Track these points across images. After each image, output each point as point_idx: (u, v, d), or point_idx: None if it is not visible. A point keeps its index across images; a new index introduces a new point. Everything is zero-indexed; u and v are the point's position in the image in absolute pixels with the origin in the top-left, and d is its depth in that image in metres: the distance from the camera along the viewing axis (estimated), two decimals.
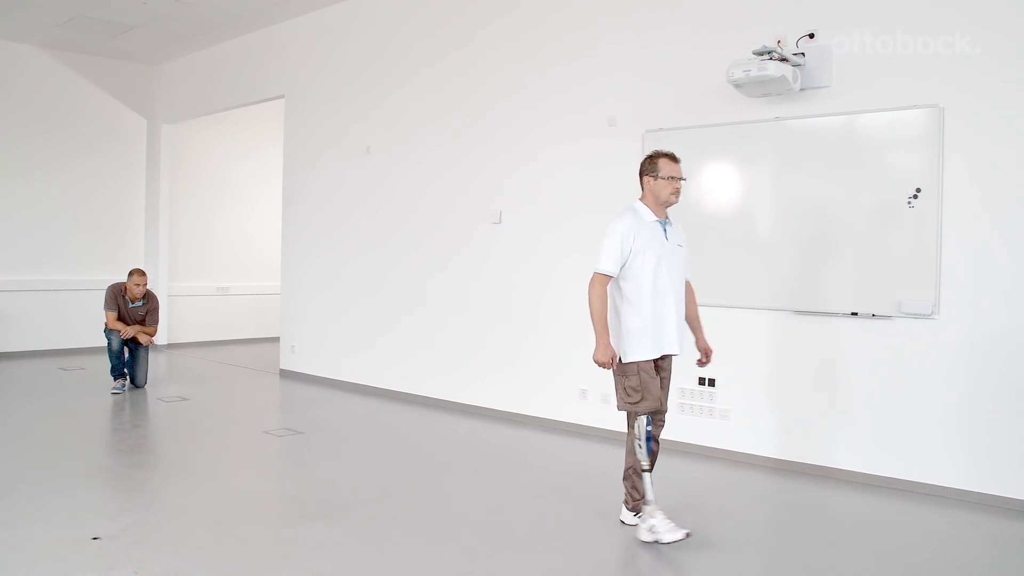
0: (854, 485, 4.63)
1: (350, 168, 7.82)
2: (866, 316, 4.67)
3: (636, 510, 3.78)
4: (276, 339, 9.07)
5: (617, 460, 5.26)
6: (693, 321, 4.01)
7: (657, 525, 3.57)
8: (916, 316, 4.50)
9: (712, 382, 5.27)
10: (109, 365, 7.28)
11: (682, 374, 5.35)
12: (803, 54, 4.82)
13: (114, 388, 7.20)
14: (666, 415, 3.87)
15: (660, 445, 3.85)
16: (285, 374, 8.48)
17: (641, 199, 3.83)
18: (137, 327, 7.29)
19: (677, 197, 3.79)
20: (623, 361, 3.72)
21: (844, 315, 4.73)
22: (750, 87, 4.83)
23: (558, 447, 5.58)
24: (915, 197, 4.48)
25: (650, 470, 3.62)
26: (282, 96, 8.60)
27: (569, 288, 6.02)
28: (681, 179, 3.78)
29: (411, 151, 7.23)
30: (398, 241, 7.34)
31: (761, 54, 4.68)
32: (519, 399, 6.34)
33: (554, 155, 6.15)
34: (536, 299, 6.24)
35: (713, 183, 5.33)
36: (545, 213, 6.20)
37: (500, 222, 6.49)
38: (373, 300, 7.58)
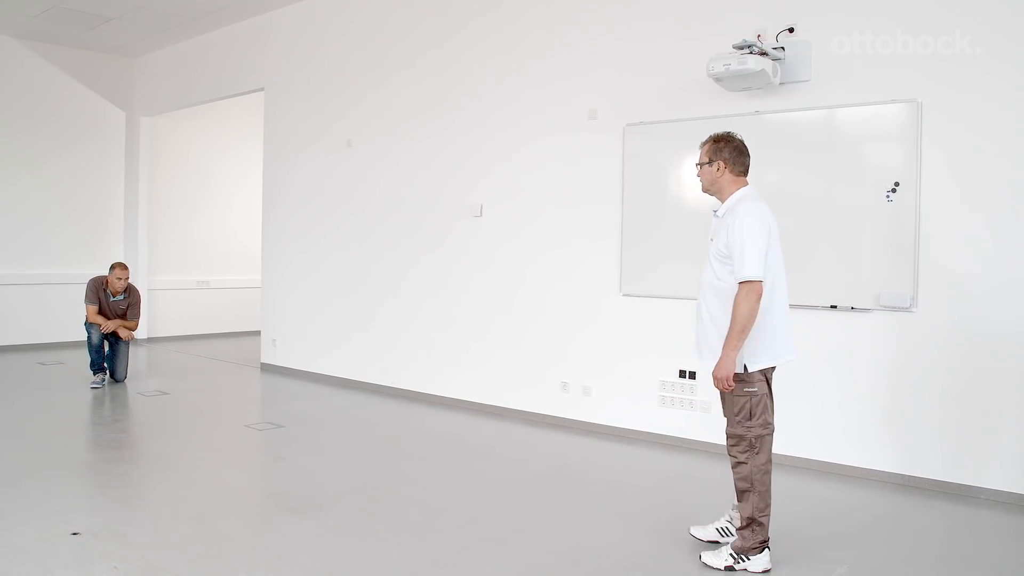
0: (833, 476, 4.69)
1: (331, 162, 7.78)
2: (845, 309, 4.71)
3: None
4: (257, 333, 9.04)
5: (597, 452, 5.30)
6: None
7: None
8: (894, 309, 4.54)
9: (692, 375, 5.30)
10: (89, 359, 7.23)
11: (664, 366, 5.41)
12: (783, 48, 4.84)
13: (94, 382, 7.15)
14: (730, 443, 3.54)
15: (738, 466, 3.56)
16: (266, 368, 8.44)
17: None
18: (118, 321, 7.24)
19: (702, 186, 3.53)
20: None
21: (823, 308, 4.77)
22: (730, 81, 4.85)
23: (539, 440, 5.60)
24: (893, 191, 4.53)
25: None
26: (262, 89, 8.54)
27: (550, 281, 6.04)
28: (696, 164, 3.53)
29: (392, 145, 7.21)
30: (379, 235, 7.32)
31: (741, 48, 4.70)
32: (500, 392, 6.35)
33: (535, 148, 6.15)
34: (517, 292, 6.25)
35: (694, 177, 5.33)
36: (526, 207, 6.20)
37: (481, 216, 6.49)
38: (354, 294, 7.57)
